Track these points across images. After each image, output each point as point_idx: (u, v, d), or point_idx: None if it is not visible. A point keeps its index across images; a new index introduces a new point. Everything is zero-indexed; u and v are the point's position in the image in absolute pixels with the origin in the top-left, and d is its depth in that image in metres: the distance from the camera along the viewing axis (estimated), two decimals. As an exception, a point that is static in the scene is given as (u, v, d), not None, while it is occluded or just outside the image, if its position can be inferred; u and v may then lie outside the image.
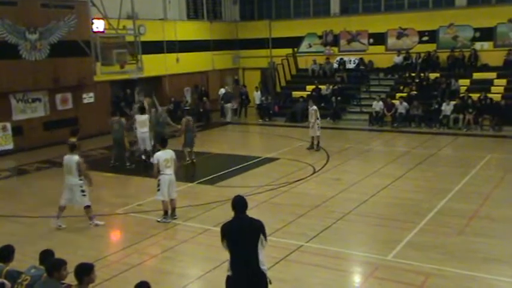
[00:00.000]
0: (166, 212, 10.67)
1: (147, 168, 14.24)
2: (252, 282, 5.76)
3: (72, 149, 10.66)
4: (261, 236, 5.78)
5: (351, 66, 25.76)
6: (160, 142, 10.97)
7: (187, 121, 15.91)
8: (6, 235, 9.71)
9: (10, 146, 18.53)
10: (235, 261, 5.74)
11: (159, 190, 10.43)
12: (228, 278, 5.83)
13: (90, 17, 20.10)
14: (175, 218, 10.69)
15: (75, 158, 10.42)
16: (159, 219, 10.62)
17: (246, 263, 5.73)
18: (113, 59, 20.52)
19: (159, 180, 10.39)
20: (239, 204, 5.86)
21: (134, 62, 20.70)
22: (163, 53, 24.17)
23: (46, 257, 6.08)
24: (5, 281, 5.89)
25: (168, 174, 10.43)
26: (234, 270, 5.75)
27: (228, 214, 11.23)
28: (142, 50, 21.50)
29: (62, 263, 5.69)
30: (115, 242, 10.26)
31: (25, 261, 6.75)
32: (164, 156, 10.41)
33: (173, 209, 10.75)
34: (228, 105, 24.74)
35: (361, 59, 25.56)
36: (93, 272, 5.58)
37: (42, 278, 5.66)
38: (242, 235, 5.76)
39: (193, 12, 26.92)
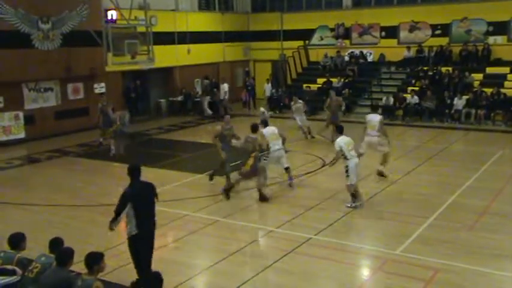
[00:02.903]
0: (354, 195, 10.66)
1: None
2: (153, 235, 6.96)
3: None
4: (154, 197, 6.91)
5: (370, 59, 25.60)
6: (338, 129, 11.20)
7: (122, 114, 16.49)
8: (18, 223, 9.82)
9: (22, 134, 18.70)
10: (142, 219, 6.72)
11: (348, 176, 10.49)
12: (134, 237, 6.79)
13: (102, 7, 20.22)
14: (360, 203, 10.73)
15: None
16: (348, 205, 10.60)
17: (149, 220, 6.86)
18: (124, 49, 20.61)
19: (346, 166, 10.47)
20: (136, 170, 6.90)
21: (145, 52, 20.76)
22: (174, 44, 24.17)
23: (55, 245, 6.15)
24: (16, 268, 5.97)
25: (355, 156, 10.60)
26: (141, 227, 6.73)
27: (237, 206, 11.31)
28: (154, 41, 21.55)
29: (71, 253, 5.75)
30: (123, 232, 10.29)
31: (35, 249, 6.82)
32: (344, 141, 10.59)
33: (357, 192, 10.77)
34: (206, 98, 24.15)
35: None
36: (103, 261, 5.64)
37: (52, 266, 5.72)
38: (144, 196, 6.81)
39: (205, 4, 26.86)
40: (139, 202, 6.72)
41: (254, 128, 11.39)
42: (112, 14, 20.28)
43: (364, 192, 11.55)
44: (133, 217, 6.69)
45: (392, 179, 12.61)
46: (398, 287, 7.40)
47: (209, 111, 23.84)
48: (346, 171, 10.48)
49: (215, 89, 25.12)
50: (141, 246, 6.90)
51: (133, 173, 6.89)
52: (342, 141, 10.59)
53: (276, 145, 11.87)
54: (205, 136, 17.76)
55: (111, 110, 16.73)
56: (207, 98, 24.13)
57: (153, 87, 24.45)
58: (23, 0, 18.05)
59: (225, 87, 24.31)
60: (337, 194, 11.54)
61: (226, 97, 24.29)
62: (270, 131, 12.15)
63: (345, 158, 10.49)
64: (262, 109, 17.59)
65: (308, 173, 13.50)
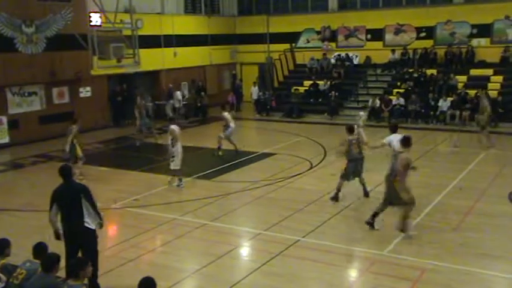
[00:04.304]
0: None
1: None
2: (78, 236, 7.02)
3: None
4: (84, 199, 7.00)
5: (356, 62, 25.73)
6: (391, 128, 11.01)
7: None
8: (2, 229, 9.68)
9: (6, 139, 18.47)
10: (64, 220, 7.02)
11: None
12: (63, 234, 7.10)
13: (87, 11, 20.07)
14: None
15: None
16: None
17: (72, 222, 6.99)
18: (110, 53, 20.51)
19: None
20: (65, 171, 7.17)
21: (131, 56, 20.68)
22: (160, 47, 24.09)
23: (39, 250, 6.07)
24: (1, 275, 5.89)
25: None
26: (65, 227, 7.04)
27: (224, 209, 11.29)
28: (140, 44, 21.47)
29: (57, 259, 5.69)
30: (111, 236, 10.23)
31: (21, 255, 6.74)
32: (397, 138, 10.45)
33: None
34: (169, 102, 23.43)
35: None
36: (89, 267, 5.59)
37: (38, 272, 5.65)
38: (67, 197, 7.02)
39: (191, 7, 26.82)
40: (62, 202, 7.00)
41: (350, 129, 11.36)
42: (97, 17, 20.19)
43: (351, 194, 11.64)
44: (59, 215, 7.07)
45: (380, 180, 12.65)
46: (386, 287, 7.44)
47: (171, 115, 23.23)
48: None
49: (203, 93, 25.09)
50: (70, 246, 7.05)
51: (61, 174, 7.17)
52: (395, 138, 10.50)
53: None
54: (190, 139, 17.75)
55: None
56: (170, 103, 23.54)
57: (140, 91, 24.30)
58: (6, 4, 17.84)
59: (178, 95, 23.24)
60: (325, 196, 11.58)
61: (181, 105, 23.49)
62: (176, 129, 12.69)
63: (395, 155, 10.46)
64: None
65: (296, 175, 13.52)
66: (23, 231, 9.79)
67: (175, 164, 12.52)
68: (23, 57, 18.32)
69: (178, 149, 12.51)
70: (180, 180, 12.69)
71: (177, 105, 23.41)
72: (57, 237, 7.14)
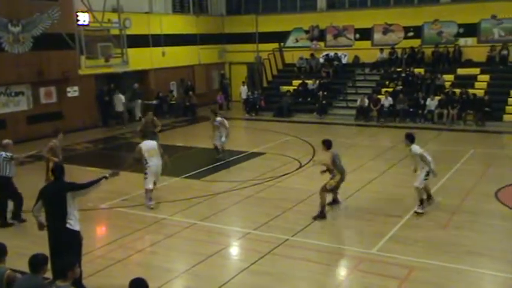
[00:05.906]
0: (422, 201, 10.43)
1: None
2: (61, 236, 6.93)
3: None
4: (70, 194, 6.96)
5: (345, 61, 25.81)
6: (409, 138, 10.74)
7: None
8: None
9: (-7, 139, 18.27)
10: (48, 217, 7.05)
11: (426, 179, 10.34)
12: (48, 234, 7.11)
13: (74, 10, 19.93)
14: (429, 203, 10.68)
15: None
16: (418, 210, 10.26)
17: (54, 219, 6.98)
18: (97, 52, 20.38)
19: (427, 171, 10.26)
20: (57, 170, 7.25)
21: (119, 55, 20.54)
22: (149, 46, 24.00)
23: None
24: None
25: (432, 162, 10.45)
26: (48, 225, 7.07)
27: (214, 209, 11.27)
28: (128, 44, 21.36)
29: (44, 260, 5.65)
30: (100, 236, 10.19)
31: (7, 258, 6.67)
32: (419, 147, 10.59)
33: (428, 196, 10.73)
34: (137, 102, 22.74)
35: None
36: (77, 267, 5.56)
37: (5, 276, 5.53)
38: (52, 195, 7.04)
39: (179, 6, 26.74)
40: (46, 200, 7.05)
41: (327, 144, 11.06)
42: (84, 17, 20.06)
43: (339, 193, 11.67)
44: (43, 213, 7.13)
45: (368, 179, 12.74)
46: (374, 285, 7.48)
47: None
48: (427, 174, 10.30)
49: (191, 92, 25.05)
50: (53, 246, 7.00)
51: (54, 172, 7.30)
52: (420, 148, 10.55)
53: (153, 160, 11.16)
54: (179, 138, 17.74)
55: None
56: (138, 102, 23.17)
57: (128, 91, 24.19)
58: (-8, 3, 17.70)
59: (121, 98, 21.95)
60: (313, 196, 11.59)
61: (124, 109, 22.09)
62: (148, 145, 11.25)
63: (426, 162, 10.31)
64: None
65: (285, 174, 13.55)
66: (11, 233, 9.70)
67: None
68: (10, 57, 18.15)
69: (150, 166, 11.13)
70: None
71: (120, 109, 21.75)
72: (41, 228, 7.24)
